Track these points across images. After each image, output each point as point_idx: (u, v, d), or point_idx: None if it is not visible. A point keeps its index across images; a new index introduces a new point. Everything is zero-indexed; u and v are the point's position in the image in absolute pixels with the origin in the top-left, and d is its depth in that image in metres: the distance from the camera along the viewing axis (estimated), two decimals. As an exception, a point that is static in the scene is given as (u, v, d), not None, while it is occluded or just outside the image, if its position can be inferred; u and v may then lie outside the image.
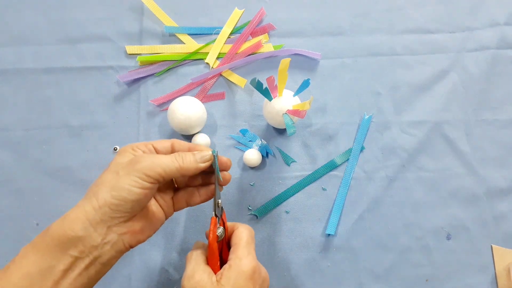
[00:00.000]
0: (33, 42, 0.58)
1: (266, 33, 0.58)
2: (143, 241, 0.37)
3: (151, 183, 0.35)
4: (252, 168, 0.54)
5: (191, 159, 0.37)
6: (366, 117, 0.55)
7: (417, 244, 0.52)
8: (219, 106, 0.56)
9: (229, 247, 0.40)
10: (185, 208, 0.53)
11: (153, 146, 0.39)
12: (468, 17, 0.59)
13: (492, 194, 0.53)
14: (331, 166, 0.54)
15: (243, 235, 0.39)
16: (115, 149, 0.54)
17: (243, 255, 0.37)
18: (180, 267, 0.51)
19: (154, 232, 0.39)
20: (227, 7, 0.59)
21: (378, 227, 0.52)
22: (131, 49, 0.57)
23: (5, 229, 0.52)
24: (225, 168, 0.42)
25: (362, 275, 0.51)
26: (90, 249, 0.33)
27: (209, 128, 0.55)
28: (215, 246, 0.38)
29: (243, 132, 0.55)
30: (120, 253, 0.35)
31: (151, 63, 0.57)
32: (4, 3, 0.59)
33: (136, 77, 0.56)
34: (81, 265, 0.33)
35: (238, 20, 0.59)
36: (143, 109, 0.56)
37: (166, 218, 0.41)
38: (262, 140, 0.54)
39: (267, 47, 0.58)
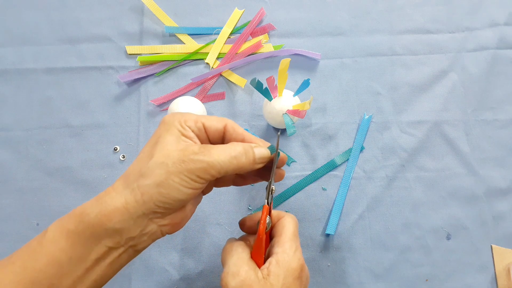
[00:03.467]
0: (33, 42, 0.58)
1: (266, 33, 0.58)
2: (181, 228, 0.35)
3: (203, 183, 0.32)
4: (252, 168, 0.54)
5: (250, 159, 0.33)
6: (366, 117, 0.55)
7: (417, 243, 0.52)
8: (219, 106, 0.56)
9: (270, 237, 0.36)
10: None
11: (204, 126, 0.34)
12: (467, 17, 0.59)
13: (491, 194, 0.53)
14: (331, 166, 0.54)
15: (290, 226, 0.35)
16: (115, 149, 0.54)
17: (291, 249, 0.33)
18: (180, 267, 0.51)
19: (191, 217, 0.36)
20: (227, 7, 0.59)
21: (378, 227, 0.52)
22: (131, 49, 0.58)
23: (5, 229, 0.52)
24: (280, 165, 0.38)
25: (362, 275, 0.51)
26: (126, 240, 0.31)
27: (209, 128, 0.55)
28: (264, 237, 0.34)
29: (243, 132, 0.55)
30: (155, 240, 0.33)
31: (151, 63, 0.57)
32: (4, 3, 0.59)
33: (136, 77, 0.56)
34: (115, 254, 0.31)
35: (238, 20, 0.59)
36: (143, 109, 0.56)
37: (204, 194, 0.38)
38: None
39: (267, 47, 0.58)
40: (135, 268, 0.51)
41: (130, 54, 0.58)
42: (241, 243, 0.35)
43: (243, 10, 0.59)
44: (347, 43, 0.58)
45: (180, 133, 0.33)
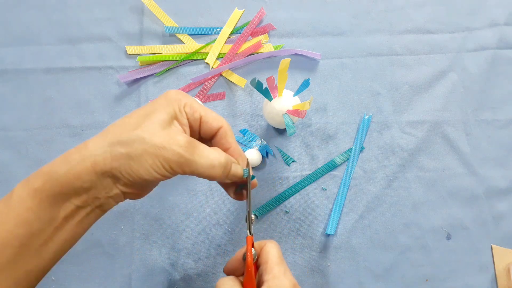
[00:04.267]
0: (33, 42, 0.58)
1: (266, 33, 0.58)
2: (142, 197, 0.35)
3: (172, 174, 0.32)
4: (252, 168, 0.54)
5: (225, 173, 0.34)
6: (366, 117, 0.55)
7: (417, 243, 0.52)
8: (219, 106, 0.56)
9: (257, 267, 0.37)
10: (185, 209, 0.53)
11: (200, 119, 0.34)
12: (467, 17, 0.59)
13: (491, 194, 0.53)
14: (331, 166, 0.54)
15: (274, 251, 0.35)
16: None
17: (280, 273, 0.34)
18: (180, 267, 0.51)
19: (154, 188, 0.37)
20: (227, 7, 0.59)
21: (378, 226, 0.52)
22: (131, 49, 0.58)
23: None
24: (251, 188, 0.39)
25: (362, 275, 0.51)
26: (93, 199, 0.31)
27: (209, 128, 0.55)
28: (253, 268, 0.34)
29: (243, 132, 0.55)
30: (119, 203, 0.34)
31: (151, 63, 0.57)
32: (4, 3, 0.59)
33: (136, 77, 0.56)
34: (83, 213, 0.31)
35: (238, 20, 0.59)
36: (143, 109, 0.56)
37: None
38: (262, 140, 0.54)
39: (267, 47, 0.58)
40: (135, 268, 0.51)
41: (130, 54, 0.58)
42: (232, 277, 0.35)
43: (243, 10, 0.59)
44: (347, 43, 0.58)
45: (174, 116, 0.32)
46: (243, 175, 0.36)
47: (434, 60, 0.57)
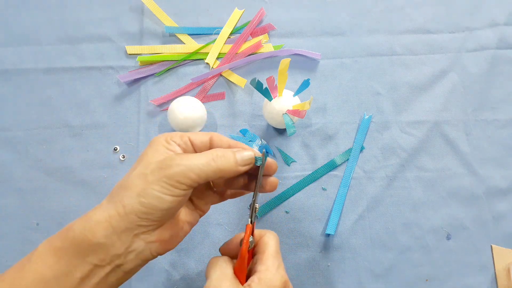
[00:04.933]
0: (33, 42, 0.58)
1: (266, 33, 0.58)
2: (172, 248, 0.34)
3: (184, 190, 0.31)
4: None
5: (230, 160, 0.32)
6: (366, 117, 0.55)
7: (417, 243, 0.52)
8: (219, 106, 0.56)
9: (253, 255, 0.36)
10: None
11: (190, 140, 0.34)
12: (467, 17, 0.59)
13: (491, 194, 0.53)
14: (331, 166, 0.54)
15: (272, 243, 0.35)
16: (115, 149, 0.54)
17: (273, 267, 0.33)
18: (180, 267, 0.51)
19: (184, 237, 0.35)
20: (227, 7, 0.59)
21: (378, 226, 0.52)
22: (131, 49, 0.58)
23: (5, 229, 0.52)
24: (269, 172, 0.37)
25: (362, 275, 0.51)
26: (112, 257, 0.30)
27: (209, 128, 0.55)
28: (246, 256, 0.34)
29: (243, 132, 0.55)
30: (146, 261, 0.32)
31: (151, 63, 0.57)
32: (4, 3, 0.59)
33: (136, 77, 0.56)
34: (101, 273, 0.30)
35: (238, 20, 0.59)
36: (143, 109, 0.56)
37: (200, 217, 0.37)
38: (262, 140, 0.54)
39: (267, 47, 0.58)
40: (135, 268, 0.51)
41: (130, 54, 0.58)
42: (226, 258, 0.35)
43: (243, 10, 0.59)
44: (347, 43, 0.58)
45: (164, 148, 0.33)
46: (256, 161, 0.35)
47: (434, 60, 0.57)
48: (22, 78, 0.57)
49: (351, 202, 0.53)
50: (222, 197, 0.39)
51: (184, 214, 0.36)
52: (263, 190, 0.37)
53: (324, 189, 0.54)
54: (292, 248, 0.52)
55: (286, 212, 0.53)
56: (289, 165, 0.54)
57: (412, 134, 0.55)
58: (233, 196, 0.39)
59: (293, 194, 0.53)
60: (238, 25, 0.59)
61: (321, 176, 0.54)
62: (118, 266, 0.31)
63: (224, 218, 0.53)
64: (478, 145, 0.55)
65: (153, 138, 0.35)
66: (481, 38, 0.58)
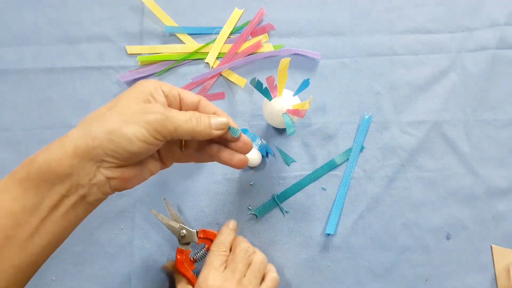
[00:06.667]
0: (33, 42, 0.58)
1: (266, 33, 0.58)
2: (130, 188, 0.34)
3: (158, 139, 0.32)
4: (252, 168, 0.54)
5: (205, 123, 0.34)
6: (366, 117, 0.55)
7: (417, 243, 0.52)
8: (219, 106, 0.56)
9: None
10: (185, 209, 0.53)
11: (180, 95, 0.35)
12: (468, 17, 0.59)
13: (491, 194, 0.53)
14: (331, 166, 0.54)
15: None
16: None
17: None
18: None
19: (142, 182, 0.35)
20: (227, 7, 0.59)
21: (377, 226, 0.52)
22: (131, 49, 0.58)
23: (5, 228, 0.52)
24: (241, 149, 0.38)
25: (361, 275, 0.51)
26: (77, 187, 0.30)
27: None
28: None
29: (243, 132, 0.55)
30: (106, 195, 0.33)
31: (151, 63, 0.57)
32: (4, 3, 0.59)
33: (136, 76, 0.56)
34: (68, 203, 0.31)
35: (238, 20, 0.59)
36: (143, 109, 0.56)
37: (161, 169, 0.38)
38: (262, 140, 0.54)
39: (267, 47, 0.58)
40: (135, 268, 0.51)
41: (130, 54, 0.58)
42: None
43: (243, 10, 0.59)
44: (347, 43, 0.58)
45: (149, 95, 0.33)
46: (232, 132, 0.37)
47: (434, 60, 0.57)
48: (22, 78, 0.57)
49: (351, 202, 0.53)
50: (187, 158, 0.39)
51: (148, 161, 0.36)
52: (230, 163, 0.38)
53: (324, 189, 0.54)
54: (292, 248, 0.52)
55: (286, 212, 0.53)
56: (289, 165, 0.54)
57: (412, 134, 0.55)
58: (198, 160, 0.39)
59: (293, 194, 0.53)
60: (238, 24, 0.59)
61: (321, 176, 0.54)
62: (83, 197, 0.31)
63: (224, 218, 0.53)
64: (478, 145, 0.55)
65: (141, 80, 0.34)
66: (481, 38, 0.58)
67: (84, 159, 0.30)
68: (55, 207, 0.30)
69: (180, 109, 0.35)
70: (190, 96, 0.36)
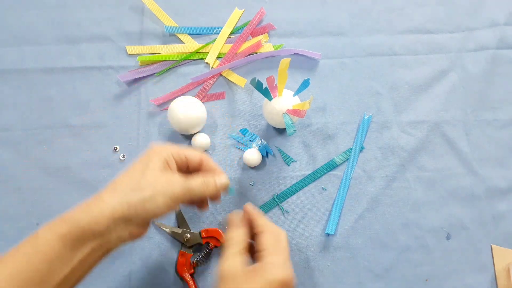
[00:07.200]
0: (33, 42, 0.58)
1: (266, 33, 0.58)
2: (141, 237, 0.39)
3: (177, 204, 0.38)
4: (252, 168, 0.54)
5: (213, 185, 0.40)
6: (366, 117, 0.55)
7: (417, 243, 0.52)
8: (219, 106, 0.56)
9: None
10: (185, 209, 0.53)
11: (186, 157, 0.41)
12: (468, 17, 0.59)
13: (491, 194, 0.53)
14: (331, 166, 0.54)
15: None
16: (115, 149, 0.54)
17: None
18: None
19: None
20: (227, 7, 0.59)
21: (377, 226, 0.52)
22: (131, 49, 0.58)
23: (5, 228, 0.52)
24: (214, 198, 0.44)
25: (361, 275, 0.51)
26: (106, 243, 0.36)
27: (209, 128, 0.55)
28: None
29: (243, 131, 0.55)
30: (123, 245, 0.38)
31: (151, 63, 0.57)
32: (4, 3, 0.59)
33: (136, 77, 0.56)
34: (95, 255, 0.36)
35: (238, 20, 0.59)
36: (143, 109, 0.56)
37: None
38: (262, 140, 0.54)
39: (267, 47, 0.58)
40: (135, 268, 0.51)
41: (130, 54, 0.58)
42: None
43: (243, 10, 0.59)
44: (347, 43, 0.58)
45: (166, 163, 0.39)
46: (228, 191, 0.43)
47: (434, 60, 0.57)
48: (22, 78, 0.57)
49: (351, 202, 0.53)
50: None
51: None
52: (203, 207, 0.45)
53: (324, 189, 0.54)
54: (292, 248, 0.52)
55: (286, 211, 0.53)
56: (289, 165, 0.54)
57: (412, 134, 0.55)
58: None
59: (293, 194, 0.53)
60: (238, 24, 0.59)
61: (321, 176, 0.54)
62: (108, 249, 0.37)
63: (224, 218, 0.53)
64: (478, 145, 0.55)
65: (152, 144, 0.40)
66: (481, 38, 0.58)
67: (118, 221, 0.35)
68: (85, 258, 0.35)
69: (187, 167, 0.42)
70: (194, 156, 0.42)
